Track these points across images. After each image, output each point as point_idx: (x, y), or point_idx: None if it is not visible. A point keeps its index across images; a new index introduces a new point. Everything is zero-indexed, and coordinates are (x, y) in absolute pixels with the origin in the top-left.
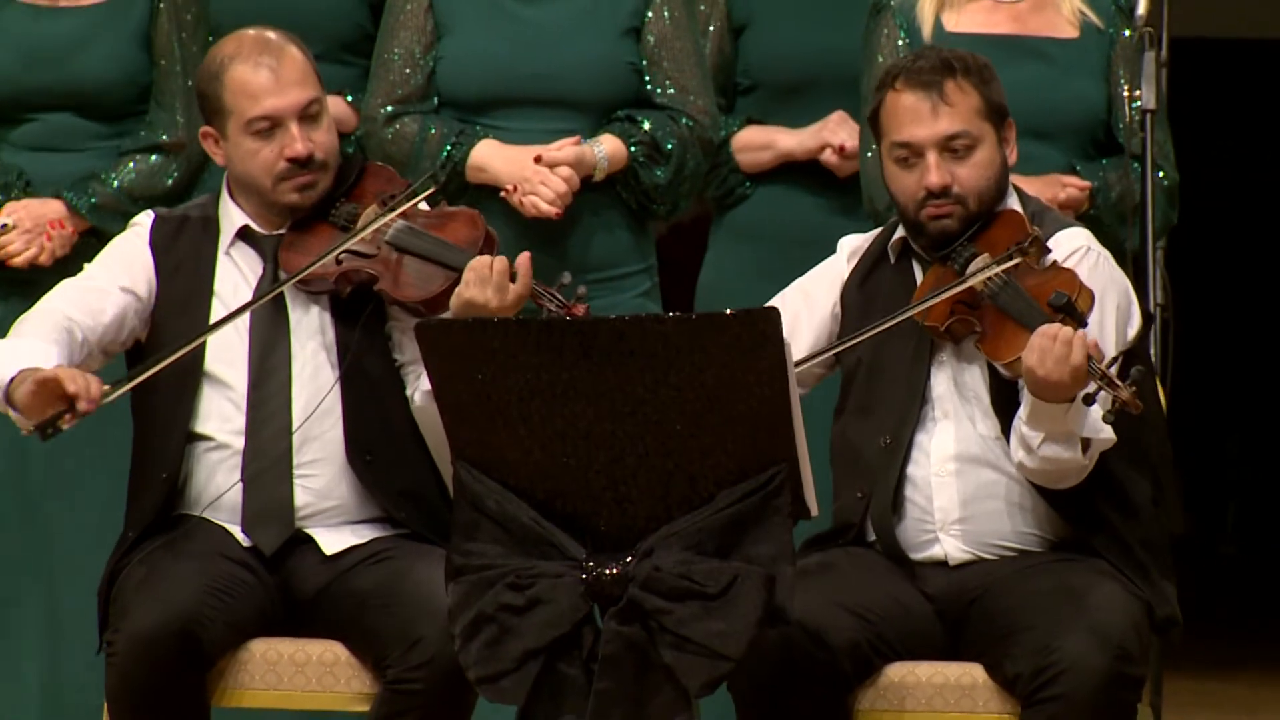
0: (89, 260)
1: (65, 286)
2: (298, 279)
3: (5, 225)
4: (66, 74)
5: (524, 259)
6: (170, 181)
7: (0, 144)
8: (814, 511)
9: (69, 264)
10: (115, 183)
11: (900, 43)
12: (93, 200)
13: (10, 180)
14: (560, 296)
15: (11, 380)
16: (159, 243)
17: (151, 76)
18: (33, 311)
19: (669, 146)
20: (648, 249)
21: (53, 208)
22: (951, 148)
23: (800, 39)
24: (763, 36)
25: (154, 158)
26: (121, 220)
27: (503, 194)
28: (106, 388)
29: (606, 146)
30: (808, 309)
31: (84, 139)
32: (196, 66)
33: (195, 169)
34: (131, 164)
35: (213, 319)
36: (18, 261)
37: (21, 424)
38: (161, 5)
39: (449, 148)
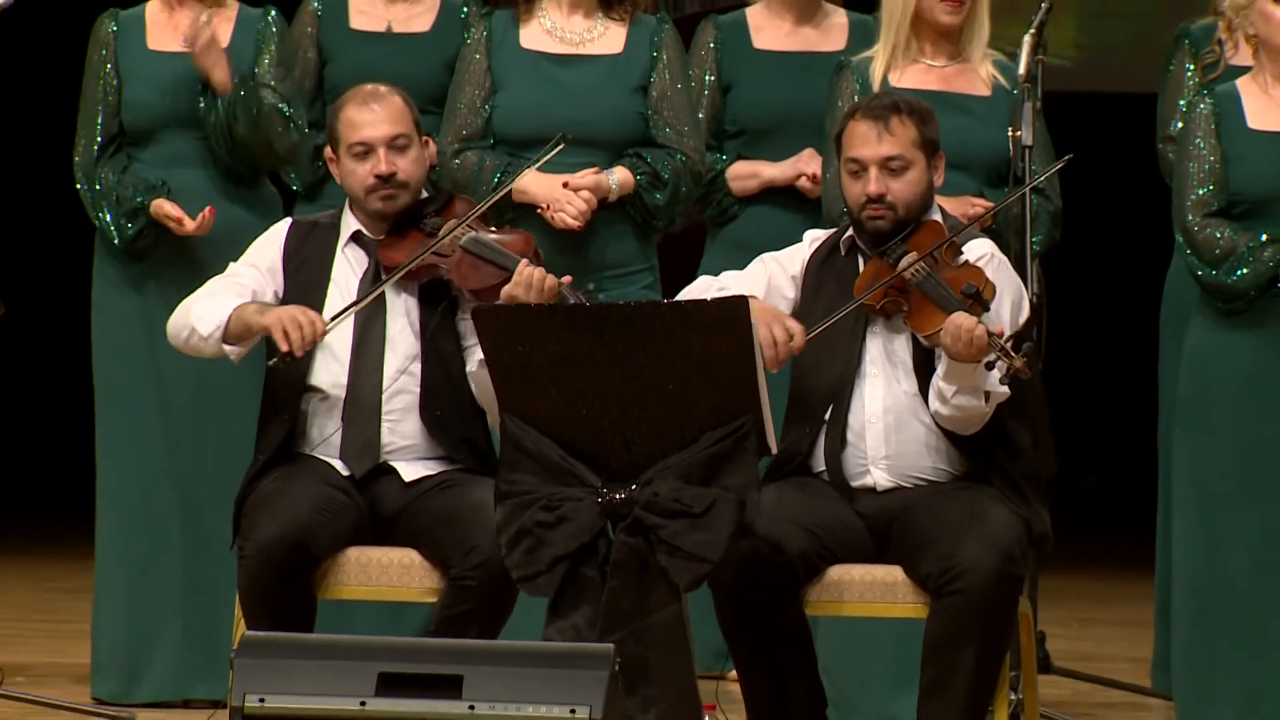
0: (228, 241)
1: (212, 282)
2: (406, 269)
3: (158, 202)
4: (194, 103)
5: (564, 280)
6: (282, 126)
7: (134, 163)
8: (774, 450)
9: (209, 241)
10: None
11: (856, 94)
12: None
13: (155, 184)
14: (583, 299)
15: (230, 318)
16: (290, 245)
17: None
18: (197, 293)
19: (667, 176)
20: (650, 253)
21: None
22: (890, 167)
23: (772, 95)
24: (745, 93)
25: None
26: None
27: (539, 211)
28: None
29: (618, 175)
30: (781, 270)
31: (205, 157)
32: (289, 88)
33: (297, 142)
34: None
35: (327, 303)
36: (174, 221)
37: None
38: (262, 60)
39: (499, 175)
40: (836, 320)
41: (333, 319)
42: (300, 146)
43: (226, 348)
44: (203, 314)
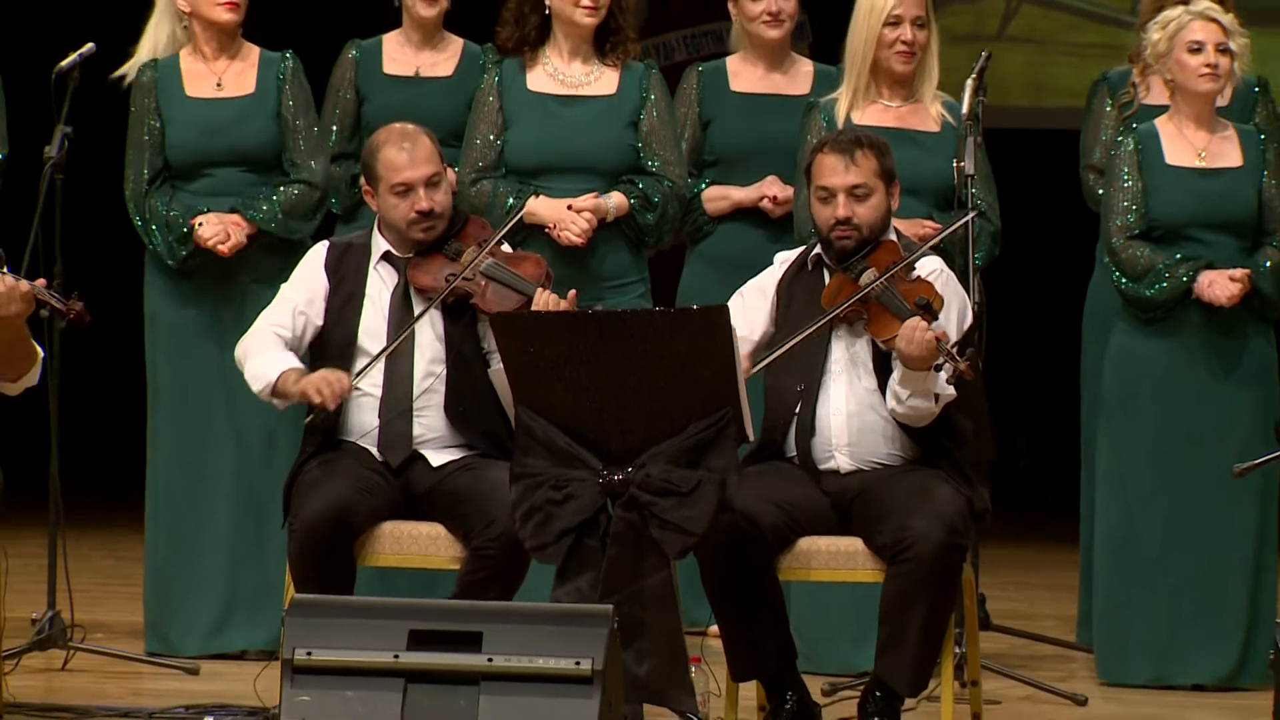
0: (264, 260)
1: (269, 310)
2: (449, 291)
3: (196, 221)
4: (232, 141)
5: (571, 296)
6: (310, 205)
7: (178, 193)
8: (751, 437)
9: (249, 259)
10: (275, 198)
11: (823, 130)
12: (260, 213)
13: (197, 207)
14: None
15: (276, 381)
16: (330, 263)
17: (283, 141)
18: (252, 333)
19: (656, 200)
20: (642, 266)
21: (232, 217)
22: (855, 193)
23: (744, 130)
24: (721, 128)
25: (299, 189)
26: (275, 226)
27: (547, 230)
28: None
29: (615, 199)
30: (759, 296)
31: (243, 187)
32: (311, 132)
33: (322, 200)
34: (285, 191)
35: (362, 315)
36: (212, 244)
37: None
38: (285, 96)
39: (511, 200)
40: (812, 329)
41: (357, 374)
42: (331, 196)
43: (274, 401)
44: (255, 373)
